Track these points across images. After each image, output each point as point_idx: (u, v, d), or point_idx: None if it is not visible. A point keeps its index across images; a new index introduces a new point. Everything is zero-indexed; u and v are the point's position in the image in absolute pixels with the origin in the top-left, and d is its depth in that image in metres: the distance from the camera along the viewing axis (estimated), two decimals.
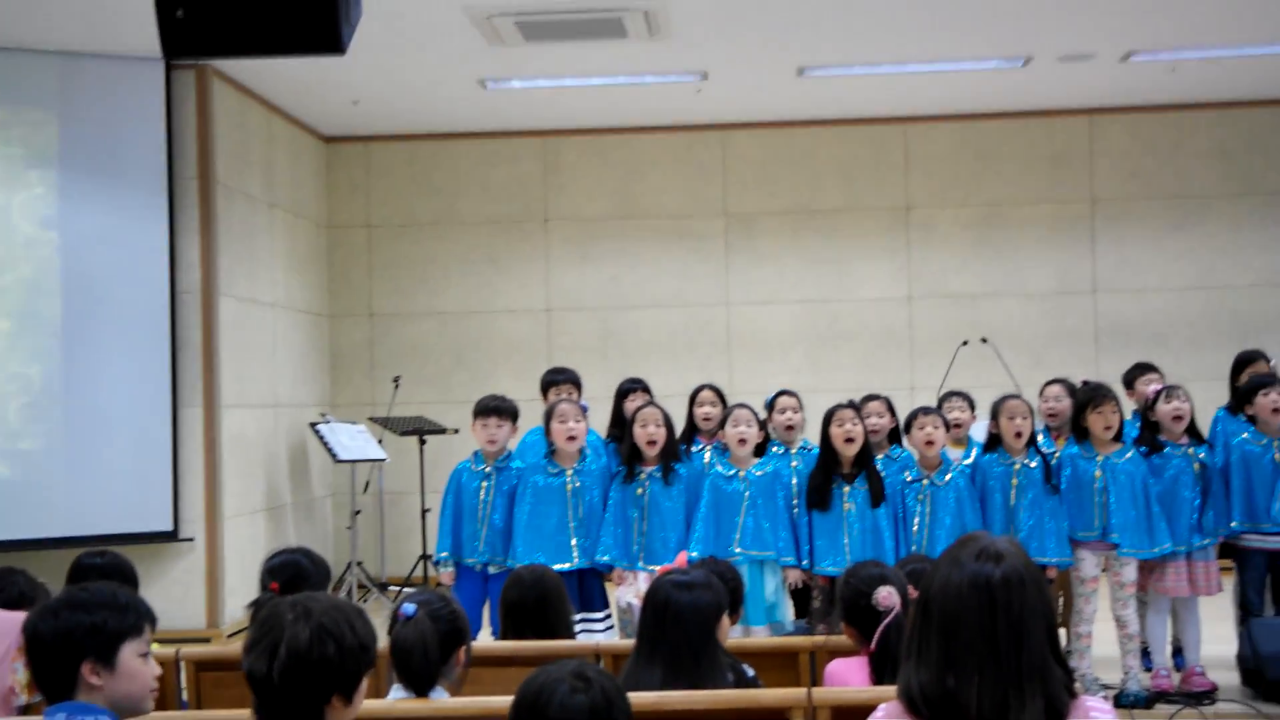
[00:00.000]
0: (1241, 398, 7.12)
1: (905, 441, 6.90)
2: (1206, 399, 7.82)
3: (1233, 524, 6.87)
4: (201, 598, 9.30)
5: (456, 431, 10.78)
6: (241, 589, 9.34)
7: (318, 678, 2.66)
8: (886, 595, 3.96)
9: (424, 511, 10.74)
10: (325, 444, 10.42)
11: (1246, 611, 6.93)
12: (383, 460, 10.86)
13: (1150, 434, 6.92)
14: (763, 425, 6.79)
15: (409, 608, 3.63)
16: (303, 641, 2.64)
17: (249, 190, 10.13)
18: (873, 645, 3.95)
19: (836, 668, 4.04)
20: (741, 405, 6.71)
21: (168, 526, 9.13)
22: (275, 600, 2.77)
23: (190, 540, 9.23)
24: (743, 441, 6.55)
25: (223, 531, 9.39)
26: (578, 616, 6.13)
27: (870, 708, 2.67)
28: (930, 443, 6.62)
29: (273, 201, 10.61)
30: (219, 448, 9.39)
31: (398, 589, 10.54)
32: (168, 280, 9.22)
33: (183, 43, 4.50)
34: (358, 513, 10.90)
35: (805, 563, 6.51)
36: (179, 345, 9.28)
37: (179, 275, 9.31)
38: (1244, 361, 7.71)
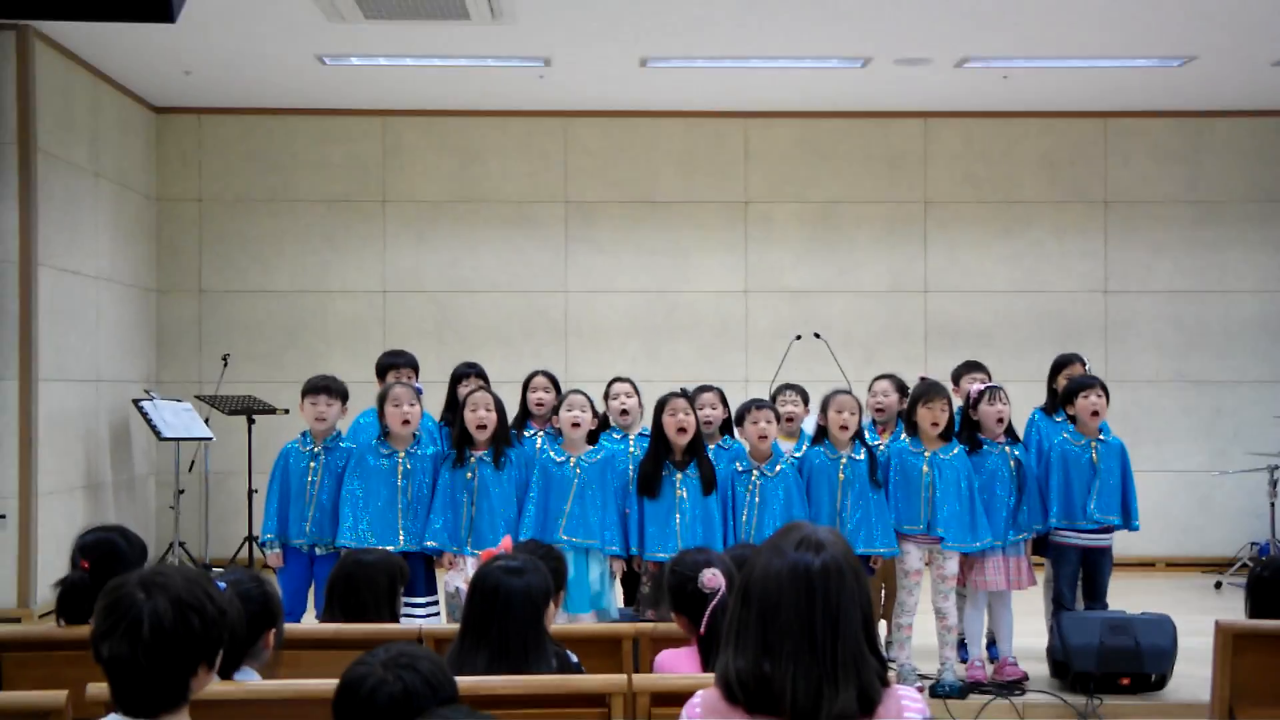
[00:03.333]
0: (1062, 399, 7.35)
1: (737, 433, 6.97)
2: (1027, 399, 8.06)
3: (1050, 521, 7.09)
4: (13, 576, 8.98)
5: (287, 412, 10.59)
6: (56, 568, 9.02)
7: (185, 651, 2.56)
8: (711, 576, 3.99)
9: (251, 492, 10.51)
10: (149, 421, 10.14)
11: (1059, 605, 7.15)
12: (209, 439, 10.61)
13: (970, 432, 7.10)
14: (598, 414, 6.79)
15: (218, 585, 3.54)
16: (167, 618, 2.52)
17: (73, 158, 9.79)
18: (702, 629, 3.97)
19: (666, 658, 4.06)
20: (577, 391, 6.68)
21: None
22: (119, 582, 2.61)
23: (2, 517, 8.90)
24: (576, 425, 6.54)
25: (36, 508, 9.08)
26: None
27: (690, 694, 2.69)
28: (763, 437, 6.69)
29: (98, 171, 10.27)
30: (35, 422, 9.07)
31: (222, 571, 10.30)
32: None
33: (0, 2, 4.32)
34: (181, 492, 10.65)
35: (634, 551, 6.53)
36: None
37: None
38: (1062, 364, 7.96)
